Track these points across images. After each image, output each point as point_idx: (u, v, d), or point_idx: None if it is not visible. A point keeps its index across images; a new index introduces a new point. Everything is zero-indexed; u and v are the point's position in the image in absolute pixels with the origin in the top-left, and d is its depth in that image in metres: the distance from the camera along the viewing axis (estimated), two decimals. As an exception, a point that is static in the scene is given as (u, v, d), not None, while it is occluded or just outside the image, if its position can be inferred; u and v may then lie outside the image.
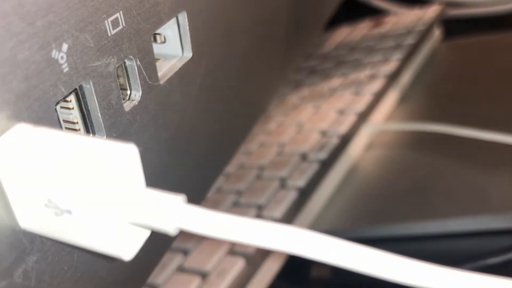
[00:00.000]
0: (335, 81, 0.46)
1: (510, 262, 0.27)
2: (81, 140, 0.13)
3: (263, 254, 0.30)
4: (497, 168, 0.32)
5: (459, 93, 0.41)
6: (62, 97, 0.14)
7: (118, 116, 0.17)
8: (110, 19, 0.16)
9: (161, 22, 0.18)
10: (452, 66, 0.46)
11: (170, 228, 0.13)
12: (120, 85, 0.17)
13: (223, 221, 0.13)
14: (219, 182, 0.37)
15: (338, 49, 0.52)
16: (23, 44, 0.13)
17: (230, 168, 0.38)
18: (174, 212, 0.13)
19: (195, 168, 0.22)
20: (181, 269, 0.31)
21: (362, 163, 0.37)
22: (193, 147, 0.22)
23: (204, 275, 0.30)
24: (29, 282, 0.14)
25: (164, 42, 0.20)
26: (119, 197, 0.13)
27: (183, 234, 0.18)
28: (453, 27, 0.52)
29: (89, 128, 0.16)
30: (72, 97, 0.16)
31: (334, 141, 0.37)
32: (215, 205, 0.35)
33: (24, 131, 0.13)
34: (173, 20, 0.19)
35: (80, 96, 0.16)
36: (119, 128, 0.17)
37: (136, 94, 0.18)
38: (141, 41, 0.17)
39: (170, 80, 0.19)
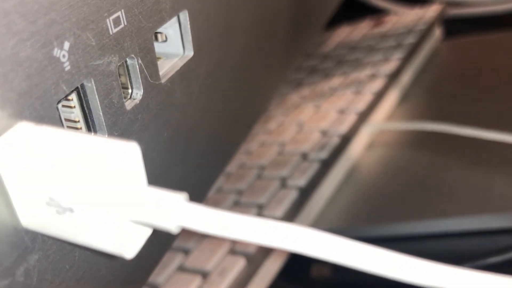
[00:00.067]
0: (336, 81, 0.46)
1: (510, 261, 0.27)
2: (82, 138, 0.13)
3: (264, 253, 0.30)
4: (498, 167, 0.32)
5: (460, 92, 0.41)
6: (63, 96, 0.14)
7: (120, 115, 0.17)
8: (111, 18, 0.16)
9: (162, 21, 0.18)
10: (453, 66, 0.46)
11: (172, 226, 0.13)
12: (122, 83, 0.17)
13: (225, 219, 0.13)
14: (220, 181, 0.37)
15: (338, 48, 0.52)
16: (24, 42, 0.13)
17: (231, 167, 0.38)
18: (176, 211, 0.13)
19: (196, 167, 0.22)
20: (182, 269, 0.31)
21: (362, 163, 0.37)
22: (194, 146, 0.22)
23: (205, 275, 0.30)
24: (31, 280, 0.14)
25: (166, 41, 0.20)
26: (121, 195, 0.13)
27: (184, 233, 0.18)
28: (454, 26, 0.52)
29: (90, 126, 0.16)
30: (73, 96, 0.16)
31: (335, 140, 0.37)
32: (215, 205, 0.35)
33: (25, 129, 0.13)
34: (175, 19, 0.19)
35: (82, 94, 0.16)
36: (120, 126, 0.17)
37: (138, 93, 0.18)
38: (143, 39, 0.17)
39: (171, 79, 0.19)
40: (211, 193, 0.36)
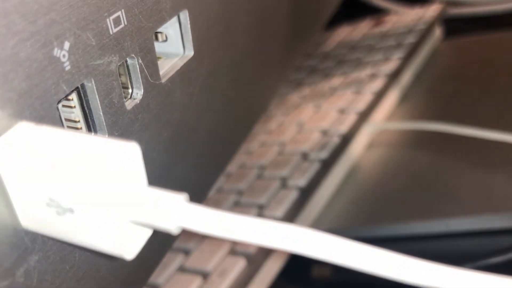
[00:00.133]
0: (336, 80, 0.45)
1: (511, 261, 0.27)
2: (83, 138, 0.13)
3: (264, 253, 0.30)
4: (499, 167, 0.32)
5: (460, 92, 0.41)
6: (64, 96, 0.14)
7: (120, 115, 0.17)
8: (112, 17, 0.16)
9: (162, 21, 0.18)
10: (453, 65, 0.46)
11: (172, 227, 0.13)
12: (122, 83, 0.17)
13: (225, 220, 0.13)
14: (220, 181, 0.37)
15: (338, 48, 0.52)
16: (24, 42, 0.13)
17: (231, 167, 0.38)
18: (176, 211, 0.13)
19: (196, 167, 0.22)
20: (182, 269, 0.31)
21: (363, 163, 0.37)
22: (194, 146, 0.22)
23: (205, 275, 0.30)
24: (31, 281, 0.14)
25: (166, 40, 0.20)
26: (121, 196, 0.12)
27: (184, 234, 0.18)
28: (454, 26, 0.52)
29: (90, 126, 0.16)
30: (74, 96, 0.16)
31: (335, 140, 0.37)
32: (216, 205, 0.35)
33: (25, 129, 0.13)
34: (175, 19, 0.19)
35: (82, 94, 0.16)
36: (121, 126, 0.17)
37: (138, 93, 0.18)
38: (143, 39, 0.17)
39: (171, 79, 0.19)
40: (212, 193, 0.36)
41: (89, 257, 0.16)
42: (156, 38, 0.20)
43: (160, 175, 0.20)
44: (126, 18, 0.16)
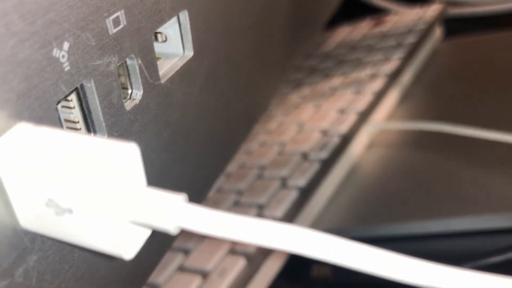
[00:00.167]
0: (336, 80, 0.45)
1: (511, 261, 0.27)
2: (82, 139, 0.13)
3: (264, 253, 0.30)
4: (498, 167, 0.32)
5: (460, 92, 0.41)
6: (63, 96, 0.14)
7: (119, 115, 0.17)
8: (111, 18, 0.16)
9: (162, 21, 0.18)
10: (453, 65, 0.46)
11: (171, 227, 0.13)
12: (121, 84, 0.17)
13: (224, 220, 0.13)
14: (220, 181, 0.37)
15: (338, 48, 0.52)
16: (23, 42, 0.13)
17: (231, 167, 0.38)
18: (175, 211, 0.13)
19: (195, 167, 0.22)
20: (182, 269, 0.31)
21: (363, 163, 0.37)
22: (194, 146, 0.22)
23: (205, 275, 0.30)
24: (30, 281, 0.14)
25: (165, 41, 0.20)
26: (120, 196, 0.12)
27: (184, 234, 0.18)
28: (454, 26, 0.52)
29: (90, 127, 0.16)
30: (73, 96, 0.16)
31: (335, 140, 0.37)
32: (215, 205, 0.35)
33: (25, 130, 0.13)
34: (174, 19, 0.19)
35: (81, 95, 0.16)
36: (120, 127, 0.17)
37: (137, 93, 0.18)
38: (142, 39, 0.17)
39: (171, 79, 0.19)
40: (211, 193, 0.36)
41: (88, 257, 0.16)
42: (156, 39, 0.20)
43: (160, 175, 0.20)
44: (126, 19, 0.16)
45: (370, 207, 0.33)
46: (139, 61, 0.17)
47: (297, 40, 0.32)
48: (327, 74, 0.47)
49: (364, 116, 0.39)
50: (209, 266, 0.30)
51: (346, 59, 0.49)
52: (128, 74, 0.17)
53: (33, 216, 0.13)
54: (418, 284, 0.12)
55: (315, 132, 0.39)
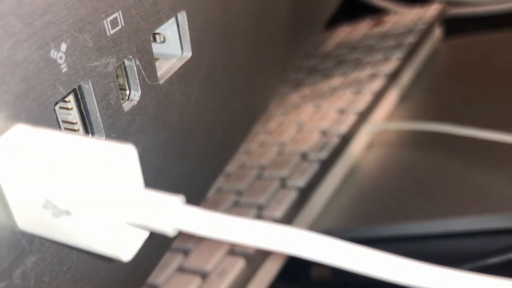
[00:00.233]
0: (336, 81, 0.45)
1: (510, 262, 0.27)
2: (79, 140, 0.13)
3: (263, 254, 0.30)
4: (498, 168, 0.32)
5: (460, 92, 0.41)
6: (61, 98, 0.14)
7: (117, 116, 0.17)
8: (109, 19, 0.16)
9: (160, 22, 0.18)
10: (453, 65, 0.46)
11: (168, 229, 0.13)
12: (119, 85, 0.17)
13: (221, 222, 0.13)
14: (219, 182, 0.37)
15: (338, 48, 0.52)
16: (21, 44, 0.13)
17: (231, 167, 0.38)
18: (172, 213, 0.13)
19: (195, 168, 0.22)
20: (181, 269, 0.31)
21: (362, 163, 0.37)
22: (192, 147, 0.22)
23: (204, 275, 0.30)
24: (28, 283, 0.14)
25: (164, 41, 0.20)
26: (118, 198, 0.12)
27: (183, 235, 0.18)
28: (454, 26, 0.52)
29: (88, 128, 0.16)
30: (71, 97, 0.16)
31: (335, 140, 0.37)
32: (215, 205, 0.35)
33: (22, 131, 0.13)
34: (173, 20, 0.19)
35: (79, 96, 0.16)
36: (118, 128, 0.17)
37: (135, 94, 0.18)
38: (140, 40, 0.17)
39: (169, 80, 0.19)
40: (211, 193, 0.36)
41: (86, 259, 0.16)
42: (154, 39, 0.20)
43: (158, 176, 0.20)
44: (124, 20, 0.16)
45: (370, 207, 0.33)
46: (137, 62, 0.17)
47: (297, 40, 0.31)
48: (327, 74, 0.47)
49: (363, 116, 0.39)
50: (208, 266, 0.30)
51: (346, 59, 0.49)
52: (126, 75, 0.17)
53: (31, 218, 0.13)
54: (415, 285, 0.12)
55: (314, 132, 0.39)
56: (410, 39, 0.47)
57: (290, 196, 0.33)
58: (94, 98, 0.16)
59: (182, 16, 0.19)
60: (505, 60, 0.43)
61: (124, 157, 0.13)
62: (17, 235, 0.14)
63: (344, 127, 0.38)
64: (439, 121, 0.36)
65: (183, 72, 0.20)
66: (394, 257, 0.12)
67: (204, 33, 0.21)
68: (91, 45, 0.15)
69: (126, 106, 0.17)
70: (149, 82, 0.18)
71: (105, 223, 0.13)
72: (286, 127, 0.41)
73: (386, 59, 0.45)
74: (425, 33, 0.48)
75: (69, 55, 0.14)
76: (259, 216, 0.33)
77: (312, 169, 0.35)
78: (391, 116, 0.42)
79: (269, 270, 0.31)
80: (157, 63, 0.19)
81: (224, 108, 0.24)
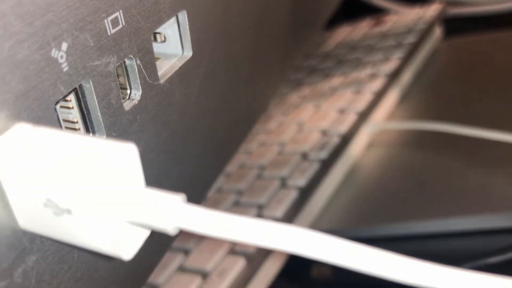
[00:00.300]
0: (336, 80, 0.45)
1: (511, 261, 0.27)
2: (80, 139, 0.13)
3: (263, 253, 0.30)
4: (498, 167, 0.32)
5: (460, 91, 0.41)
6: (61, 97, 0.14)
7: (118, 116, 0.17)
8: (109, 18, 0.16)
9: (161, 21, 0.18)
10: (453, 65, 0.46)
11: (169, 227, 0.13)
12: (120, 84, 0.17)
13: (222, 220, 0.13)
14: (220, 181, 0.37)
15: (338, 48, 0.52)
16: (22, 43, 0.13)
17: (231, 167, 0.38)
18: (173, 212, 0.13)
19: (195, 167, 0.22)
20: (181, 269, 0.31)
21: (362, 163, 0.37)
22: (193, 147, 0.22)
23: (204, 275, 0.30)
24: (29, 282, 0.14)
25: (164, 41, 0.20)
26: (119, 196, 0.12)
27: (184, 234, 0.18)
28: (454, 25, 0.52)
29: (89, 127, 0.16)
30: (71, 97, 0.16)
31: (335, 140, 0.37)
32: (215, 205, 0.35)
33: (23, 130, 0.13)
34: (173, 19, 0.19)
35: (80, 95, 0.16)
36: (119, 127, 0.17)
37: (136, 94, 0.18)
38: (141, 40, 0.17)
39: (170, 79, 0.19)
40: (211, 193, 0.36)
41: (87, 258, 0.16)
42: (155, 39, 0.20)
43: (159, 175, 0.20)
44: (124, 19, 0.16)
45: (370, 207, 0.33)
46: (138, 62, 0.17)
47: (297, 40, 0.31)
48: (327, 74, 0.47)
49: (364, 116, 0.39)
50: (209, 266, 0.30)
51: (346, 59, 0.49)
52: (127, 75, 0.17)
53: (32, 217, 0.13)
54: (417, 284, 0.12)
55: (314, 132, 0.39)
56: (410, 39, 0.47)
57: (290, 196, 0.33)
58: (95, 97, 0.16)
59: (183, 16, 0.19)
60: (505, 60, 0.43)
61: (125, 156, 0.13)
62: (18, 234, 0.14)
63: (344, 127, 0.38)
64: (440, 121, 0.36)
65: (184, 72, 0.20)
66: (396, 256, 0.12)
67: (205, 33, 0.21)
68: (92, 44, 0.15)
69: (127, 105, 0.17)
70: (149, 82, 0.18)
71: (106, 222, 0.13)
72: (286, 127, 0.41)
73: (386, 59, 0.45)
74: (425, 33, 0.48)
75: (70, 54, 0.14)
76: (259, 216, 0.33)
77: (312, 169, 0.35)
78: (391, 116, 0.42)
79: (270, 270, 0.31)
80: (157, 63, 0.19)
81: (224, 108, 0.24)
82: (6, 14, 0.13)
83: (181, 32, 0.20)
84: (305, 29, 0.33)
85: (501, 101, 0.38)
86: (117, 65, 0.16)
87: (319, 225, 0.33)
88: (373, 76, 0.43)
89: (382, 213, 0.32)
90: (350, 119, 0.39)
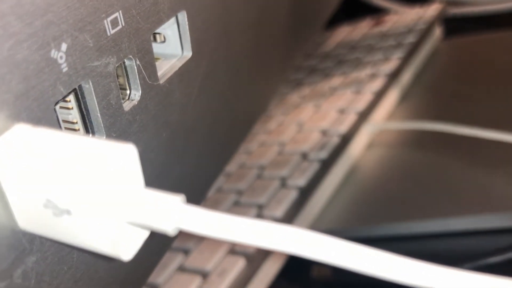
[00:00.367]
0: (336, 80, 0.45)
1: (511, 261, 0.27)
2: (80, 140, 0.13)
3: (263, 253, 0.30)
4: (498, 167, 0.32)
5: (460, 91, 0.41)
6: (61, 97, 0.14)
7: (118, 116, 0.17)
8: (109, 19, 0.16)
9: (160, 22, 0.18)
10: (453, 65, 0.46)
11: (169, 228, 0.13)
12: (120, 85, 0.17)
13: (222, 221, 0.13)
14: (220, 181, 0.37)
15: (338, 48, 0.52)
16: (21, 44, 0.13)
17: (231, 167, 0.38)
18: (173, 212, 0.13)
19: (195, 167, 0.22)
20: (181, 269, 0.31)
21: (362, 163, 0.37)
22: (193, 147, 0.22)
23: (204, 275, 0.30)
24: (29, 282, 0.14)
25: (164, 41, 0.20)
26: (118, 197, 0.12)
27: (184, 234, 0.18)
28: (454, 25, 0.52)
29: (88, 128, 0.16)
30: (71, 97, 0.16)
31: (335, 140, 0.37)
32: (215, 205, 0.35)
33: (23, 131, 0.13)
34: (173, 20, 0.19)
35: (80, 96, 0.16)
36: (118, 128, 0.17)
37: (136, 94, 0.18)
38: (141, 40, 0.17)
39: (170, 80, 0.19)
40: (211, 193, 0.36)
41: (87, 258, 0.16)
42: (154, 39, 0.20)
43: (159, 175, 0.20)
44: (124, 20, 0.16)
45: (370, 207, 0.33)
46: (138, 62, 0.17)
47: (297, 40, 0.31)
48: (327, 74, 0.47)
49: (364, 116, 0.39)
50: (209, 266, 0.30)
51: (346, 59, 0.49)
52: (127, 75, 0.17)
53: (32, 217, 0.13)
54: (417, 285, 0.12)
55: (314, 132, 0.39)
56: (410, 39, 0.47)
57: (290, 196, 0.33)
58: (94, 97, 0.16)
59: (183, 16, 0.19)
60: (505, 60, 0.43)
61: (125, 157, 0.13)
62: (18, 235, 0.14)
63: (344, 127, 0.38)
64: (440, 121, 0.36)
65: (184, 72, 0.20)
66: (396, 256, 0.12)
67: (204, 33, 0.21)
68: (91, 45, 0.15)
69: (127, 105, 0.17)
70: (149, 82, 0.18)
71: (106, 223, 0.13)
72: (286, 127, 0.41)
73: (386, 59, 0.45)
74: (425, 32, 0.48)
75: (70, 55, 0.14)
76: (259, 216, 0.33)
77: (312, 168, 0.35)
78: (391, 116, 0.42)
79: (270, 270, 0.31)
80: (157, 63, 0.19)
81: (224, 108, 0.24)
82: (6, 14, 0.13)
83: (181, 32, 0.20)
84: (305, 29, 0.33)
85: (501, 101, 0.38)
86: (116, 65, 0.16)
87: (319, 225, 0.33)
88: (373, 76, 0.43)
89: (382, 213, 0.32)
90: (350, 119, 0.39)
